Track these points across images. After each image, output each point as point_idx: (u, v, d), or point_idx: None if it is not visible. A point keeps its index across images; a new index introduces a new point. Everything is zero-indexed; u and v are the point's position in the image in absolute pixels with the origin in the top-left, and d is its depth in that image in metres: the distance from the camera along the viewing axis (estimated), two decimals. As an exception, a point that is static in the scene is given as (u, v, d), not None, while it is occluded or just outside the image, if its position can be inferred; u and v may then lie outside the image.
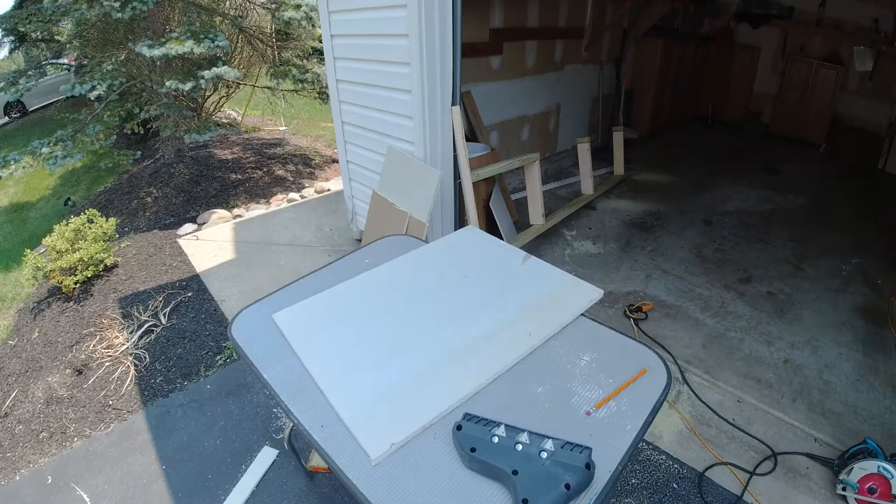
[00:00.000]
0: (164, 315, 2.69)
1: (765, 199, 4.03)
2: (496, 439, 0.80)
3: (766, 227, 3.54)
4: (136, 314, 2.71)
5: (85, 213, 3.23)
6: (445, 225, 2.62)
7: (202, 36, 3.95)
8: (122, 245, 3.57)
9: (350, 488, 0.78)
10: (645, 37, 4.83)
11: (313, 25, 5.06)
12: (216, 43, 3.95)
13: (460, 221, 2.68)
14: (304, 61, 5.52)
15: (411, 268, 1.36)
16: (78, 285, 2.97)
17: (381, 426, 0.88)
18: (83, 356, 2.46)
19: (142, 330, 2.58)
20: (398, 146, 2.51)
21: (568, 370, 1.01)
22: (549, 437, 0.80)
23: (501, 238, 2.61)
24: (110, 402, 2.16)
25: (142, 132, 5.85)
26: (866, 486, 1.52)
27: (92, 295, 2.97)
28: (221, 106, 6.87)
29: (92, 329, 2.66)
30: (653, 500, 1.62)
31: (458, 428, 0.83)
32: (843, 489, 1.56)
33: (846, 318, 2.53)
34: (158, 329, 2.61)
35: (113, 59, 4.55)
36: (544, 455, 0.77)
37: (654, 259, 3.03)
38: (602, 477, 0.78)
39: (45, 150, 4.02)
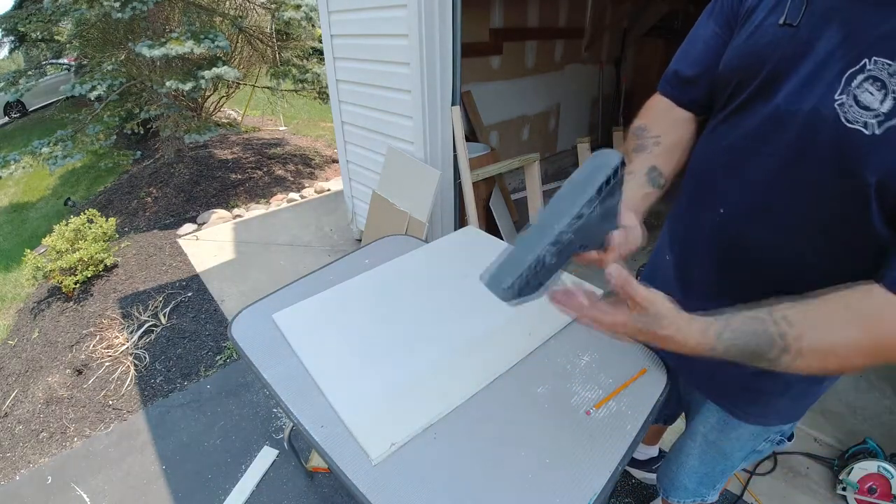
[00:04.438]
0: (164, 315, 2.69)
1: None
2: None
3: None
4: (136, 314, 2.71)
5: (85, 213, 3.23)
6: (445, 225, 2.62)
7: (202, 36, 3.96)
8: (122, 245, 3.57)
9: (350, 488, 0.78)
10: (645, 37, 4.83)
11: (313, 25, 5.07)
12: (216, 43, 3.95)
13: (460, 221, 2.68)
14: (304, 61, 5.52)
15: (411, 268, 1.36)
16: (78, 285, 2.97)
17: (381, 426, 0.87)
18: (83, 356, 2.46)
19: (142, 330, 2.58)
20: (398, 146, 2.51)
21: (568, 370, 1.01)
22: None
23: (501, 238, 2.61)
24: (110, 402, 2.16)
25: (142, 132, 5.86)
26: (866, 486, 1.52)
27: (92, 295, 2.97)
28: (221, 106, 6.87)
29: (92, 329, 2.66)
30: (653, 500, 1.61)
31: None
32: (843, 489, 1.56)
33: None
34: (158, 329, 2.61)
35: (113, 59, 4.55)
36: None
37: (654, 259, 3.02)
38: (602, 477, 0.78)
39: (45, 150, 4.03)
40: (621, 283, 0.57)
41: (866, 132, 0.55)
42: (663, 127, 0.81)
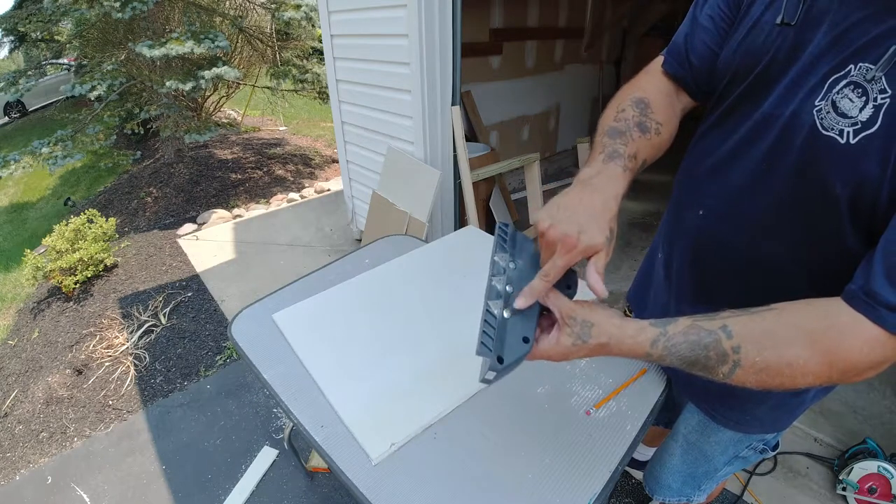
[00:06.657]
0: (164, 315, 2.69)
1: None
2: None
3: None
4: (136, 314, 2.71)
5: (85, 213, 3.23)
6: (445, 225, 2.62)
7: (202, 36, 3.96)
8: (122, 245, 3.57)
9: (350, 488, 0.78)
10: (645, 37, 4.83)
11: (313, 25, 5.07)
12: (216, 43, 3.95)
13: (460, 221, 2.68)
14: (304, 61, 5.53)
15: (411, 268, 1.36)
16: (78, 285, 2.97)
17: (381, 426, 0.87)
18: (83, 356, 2.46)
19: (142, 330, 2.58)
20: (398, 146, 2.51)
21: (568, 370, 1.01)
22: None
23: (501, 238, 2.60)
24: (110, 402, 2.16)
25: (142, 132, 5.86)
26: (866, 486, 1.52)
27: (92, 295, 2.97)
28: (221, 106, 6.87)
29: (92, 329, 2.66)
30: (653, 500, 1.61)
31: None
32: (843, 489, 1.56)
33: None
34: (158, 329, 2.61)
35: (113, 59, 4.56)
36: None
37: (654, 259, 3.02)
38: (602, 477, 0.78)
39: (45, 150, 4.03)
40: (545, 295, 0.58)
41: (841, 141, 0.52)
42: (666, 115, 0.75)
